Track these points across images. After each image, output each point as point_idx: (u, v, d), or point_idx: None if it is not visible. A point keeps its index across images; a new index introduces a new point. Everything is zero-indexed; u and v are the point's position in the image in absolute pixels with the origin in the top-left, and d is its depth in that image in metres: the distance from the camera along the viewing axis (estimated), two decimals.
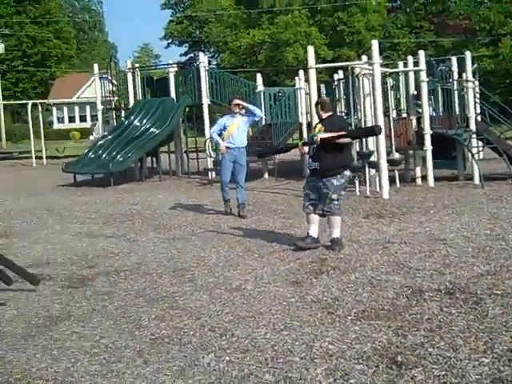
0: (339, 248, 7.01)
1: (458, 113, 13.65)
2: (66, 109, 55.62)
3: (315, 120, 8.45)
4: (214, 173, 15.46)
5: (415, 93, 13.33)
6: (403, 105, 14.32)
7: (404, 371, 3.75)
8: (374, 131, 8.10)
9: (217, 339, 4.43)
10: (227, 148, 9.80)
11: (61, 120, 55.90)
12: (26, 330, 4.76)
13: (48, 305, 5.34)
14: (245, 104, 10.06)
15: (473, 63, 15.14)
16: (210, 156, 15.94)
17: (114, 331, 4.67)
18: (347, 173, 7.12)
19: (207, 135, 16.51)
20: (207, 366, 3.96)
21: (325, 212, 7.08)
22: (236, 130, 9.83)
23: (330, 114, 7.33)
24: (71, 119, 55.81)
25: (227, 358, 4.07)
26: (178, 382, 3.74)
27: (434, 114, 13.81)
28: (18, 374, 3.93)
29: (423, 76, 12.81)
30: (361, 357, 4.01)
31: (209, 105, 17.03)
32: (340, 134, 6.96)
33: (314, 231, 7.15)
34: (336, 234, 7.12)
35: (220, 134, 9.98)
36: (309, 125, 15.42)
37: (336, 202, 7.04)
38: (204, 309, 5.14)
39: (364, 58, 14.90)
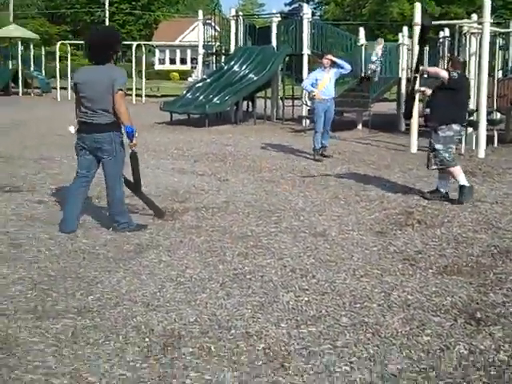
0: (468, 196, 7.08)
1: None
2: (167, 51, 56.62)
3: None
4: (307, 121, 15.43)
5: None
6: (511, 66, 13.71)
7: (482, 327, 3.73)
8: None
9: (297, 280, 4.53)
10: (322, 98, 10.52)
11: (162, 61, 56.96)
12: (117, 254, 5.02)
13: (139, 233, 5.60)
14: (335, 59, 10.83)
15: None
16: (306, 104, 15.88)
17: (200, 263, 4.86)
18: (456, 127, 7.09)
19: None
20: (286, 304, 4.07)
21: (430, 166, 7.23)
22: (328, 82, 10.62)
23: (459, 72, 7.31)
24: (172, 61, 56.80)
25: (306, 299, 4.17)
26: (257, 315, 3.87)
27: None
28: (108, 293, 4.18)
29: None
30: (439, 309, 4.01)
31: (309, 55, 16.88)
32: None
33: (442, 184, 7.31)
34: (461, 181, 7.16)
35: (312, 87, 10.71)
36: (408, 80, 15.03)
37: (444, 154, 7.06)
38: (287, 250, 5.25)
39: (474, 16, 14.26)
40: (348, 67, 10.82)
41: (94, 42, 5.64)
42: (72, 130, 5.67)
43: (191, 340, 3.50)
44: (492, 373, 3.19)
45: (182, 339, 3.50)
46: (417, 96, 7.83)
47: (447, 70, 7.25)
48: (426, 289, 4.38)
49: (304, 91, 15.37)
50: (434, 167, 7.22)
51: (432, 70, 7.56)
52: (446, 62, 15.05)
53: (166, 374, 3.12)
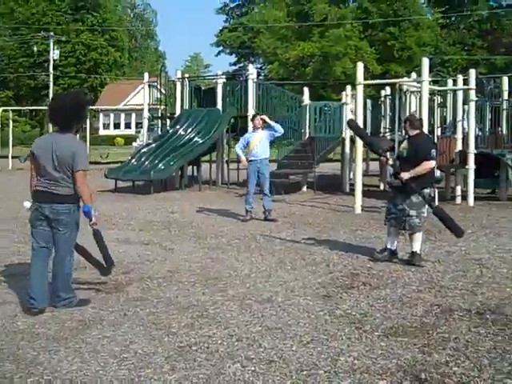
0: (418, 261, 7.11)
1: (505, 132, 13.49)
2: (112, 115, 56.70)
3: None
4: None
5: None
6: (448, 123, 14.25)
7: None
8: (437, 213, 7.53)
9: (243, 349, 4.49)
10: (249, 161, 10.88)
11: (106, 126, 56.97)
12: (58, 332, 4.89)
13: (82, 309, 5.47)
14: (267, 120, 11.05)
15: None
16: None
17: (144, 337, 4.77)
18: (427, 190, 7.20)
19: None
20: (233, 375, 4.03)
21: (406, 228, 7.23)
22: (258, 143, 10.83)
23: (418, 132, 7.39)
24: (116, 126, 56.84)
25: (252, 368, 4.13)
26: None
27: (480, 134, 13.69)
28: (48, 375, 4.05)
29: (472, 95, 12.69)
30: (385, 372, 4.03)
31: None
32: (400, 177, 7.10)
33: (392, 243, 7.35)
34: (416, 247, 7.23)
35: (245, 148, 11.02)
36: (352, 140, 15.39)
37: (415, 219, 7.13)
38: (233, 319, 5.21)
39: (413, 75, 14.86)
40: (280, 130, 11.02)
41: (57, 106, 5.50)
42: (28, 205, 5.51)
43: None
44: None
45: None
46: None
47: (407, 133, 7.42)
48: (371, 352, 4.40)
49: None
50: (410, 230, 7.23)
51: (420, 170, 7.11)
52: (387, 120, 15.60)
53: None
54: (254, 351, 4.45)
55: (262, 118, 11.08)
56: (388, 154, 7.57)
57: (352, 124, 8.57)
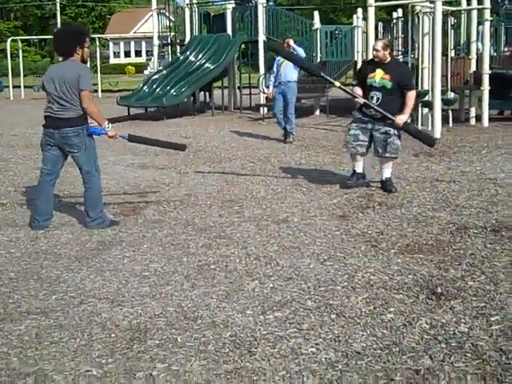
0: (394, 186, 6.91)
1: None
2: (122, 44, 55.98)
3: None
4: (265, 109, 15.46)
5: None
6: (462, 44, 13.94)
7: (443, 302, 3.82)
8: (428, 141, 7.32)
9: (261, 267, 4.56)
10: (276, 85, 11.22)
11: (117, 55, 56.35)
12: (80, 252, 4.99)
13: (101, 230, 5.56)
14: (291, 44, 11.48)
15: None
16: (263, 92, 15.92)
17: (163, 257, 4.85)
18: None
19: (261, 71, 16.52)
20: (251, 292, 4.10)
21: (380, 155, 6.86)
22: (284, 66, 11.01)
23: (391, 59, 6.88)
24: (127, 54, 56.21)
25: (271, 285, 4.20)
26: (223, 304, 3.89)
27: (495, 54, 13.39)
28: (72, 292, 4.15)
29: (487, 15, 12.36)
30: (401, 287, 4.09)
31: (264, 41, 16.91)
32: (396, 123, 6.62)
33: (360, 167, 7.14)
34: (388, 173, 6.97)
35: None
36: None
37: (397, 141, 6.78)
38: (250, 239, 5.27)
39: None
40: (302, 54, 11.49)
41: (57, 34, 5.83)
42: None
43: (157, 332, 3.50)
44: (453, 344, 3.27)
45: (148, 332, 3.50)
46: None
47: (383, 59, 6.75)
48: (388, 268, 4.46)
49: (261, 78, 15.64)
50: (385, 155, 6.83)
51: (411, 105, 6.82)
52: (399, 43, 15.31)
53: (132, 367, 3.12)
54: (272, 269, 4.52)
55: (287, 42, 11.46)
56: (357, 89, 6.96)
57: (273, 47, 7.87)
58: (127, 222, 5.88)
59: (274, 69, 11.40)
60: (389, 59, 6.82)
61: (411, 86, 6.96)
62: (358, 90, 6.89)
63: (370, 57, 7.79)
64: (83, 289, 4.20)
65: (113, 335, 3.48)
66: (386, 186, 6.91)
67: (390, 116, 6.61)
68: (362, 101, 6.79)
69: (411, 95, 6.74)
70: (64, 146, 5.48)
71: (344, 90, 6.92)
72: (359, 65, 16.00)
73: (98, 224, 5.63)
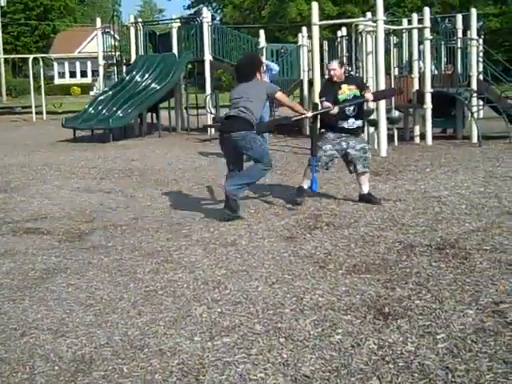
0: (378, 199, 7.25)
1: (460, 71, 13.57)
2: (67, 64, 55.27)
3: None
4: (213, 130, 15.48)
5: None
6: (404, 63, 14.25)
7: (390, 321, 3.85)
8: (391, 93, 9.94)
9: (209, 292, 4.52)
10: None
11: (62, 75, 55.60)
12: (22, 282, 4.85)
13: (45, 258, 5.43)
14: (265, 61, 11.26)
15: (478, 21, 14.97)
16: (210, 112, 15.94)
17: (110, 283, 4.76)
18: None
19: (208, 91, 16.54)
20: (199, 317, 4.05)
21: (360, 172, 7.24)
22: None
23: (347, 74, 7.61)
24: (72, 74, 55.53)
25: (219, 310, 4.16)
26: (170, 331, 3.83)
27: (436, 73, 13.74)
28: (13, 323, 4.02)
29: (427, 34, 12.70)
30: (349, 308, 4.10)
31: (211, 61, 16.97)
32: (367, 99, 7.47)
33: (307, 184, 7.30)
34: (367, 189, 7.35)
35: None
36: (310, 82, 15.36)
37: (369, 155, 7.37)
38: (198, 263, 5.22)
39: (368, 14, 14.76)
40: (276, 68, 11.71)
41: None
42: None
43: (103, 363, 3.42)
44: (400, 364, 3.29)
45: (93, 363, 3.42)
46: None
47: (340, 77, 7.19)
48: (336, 289, 4.47)
49: (208, 98, 15.66)
50: (365, 170, 7.28)
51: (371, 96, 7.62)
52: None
53: None
54: (220, 293, 4.48)
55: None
56: (325, 103, 7.19)
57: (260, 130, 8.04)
58: (73, 248, 5.77)
59: None
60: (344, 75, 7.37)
61: (367, 95, 7.48)
62: (328, 103, 7.10)
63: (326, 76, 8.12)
64: (25, 320, 4.08)
65: (56, 367, 3.38)
66: (372, 198, 7.24)
67: (361, 100, 7.29)
68: (336, 109, 7.03)
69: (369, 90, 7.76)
70: None
71: (318, 113, 7.13)
72: (305, 83, 16.26)
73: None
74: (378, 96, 8.91)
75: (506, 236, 5.63)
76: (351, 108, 7.14)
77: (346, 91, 7.17)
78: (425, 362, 3.31)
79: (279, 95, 6.78)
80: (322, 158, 7.22)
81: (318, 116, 7.10)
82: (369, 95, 7.40)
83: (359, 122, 7.26)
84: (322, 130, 7.31)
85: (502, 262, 4.88)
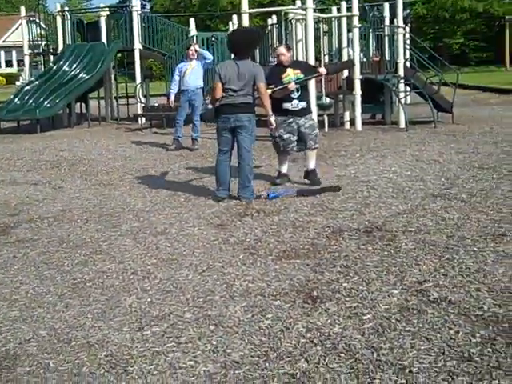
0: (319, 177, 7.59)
1: (387, 58, 13.83)
2: None
3: None
4: (143, 119, 15.30)
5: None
6: (334, 50, 14.42)
7: (318, 305, 3.90)
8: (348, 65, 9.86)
9: (139, 282, 4.48)
10: (181, 91, 11.28)
11: None
12: None
13: None
14: (198, 49, 11.55)
15: (405, 9, 15.27)
16: (140, 102, 15.74)
17: (35, 278, 4.66)
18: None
19: (138, 81, 16.31)
20: (128, 308, 4.01)
21: (312, 147, 7.57)
22: (190, 72, 11.20)
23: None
24: None
25: (149, 300, 4.13)
26: (98, 323, 3.78)
27: (365, 60, 13.95)
28: None
29: (356, 22, 12.86)
30: (279, 293, 4.14)
31: (140, 50, 16.73)
32: (321, 73, 7.96)
33: (285, 169, 7.77)
34: (314, 164, 7.67)
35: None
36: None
37: (318, 132, 7.73)
38: (128, 253, 5.17)
39: (298, 3, 14.84)
40: (209, 57, 11.52)
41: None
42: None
43: (28, 358, 3.34)
44: (328, 346, 3.35)
45: (17, 359, 3.33)
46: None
47: (288, 61, 7.51)
48: (266, 275, 4.50)
49: (138, 87, 15.49)
50: (316, 146, 7.64)
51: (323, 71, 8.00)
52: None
53: None
54: (149, 283, 4.45)
55: (193, 48, 11.46)
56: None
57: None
58: None
59: (176, 77, 11.34)
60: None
61: (315, 68, 8.24)
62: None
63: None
64: None
65: None
66: (314, 177, 7.60)
67: (315, 75, 7.87)
68: (293, 85, 7.32)
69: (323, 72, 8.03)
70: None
71: (276, 89, 7.30)
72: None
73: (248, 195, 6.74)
74: (332, 69, 9.14)
75: (430, 217, 5.79)
76: (294, 90, 7.36)
77: (291, 75, 7.40)
78: (351, 342, 3.37)
79: (262, 86, 6.71)
80: (279, 143, 7.53)
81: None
82: (322, 69, 7.94)
83: (303, 104, 7.48)
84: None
85: (426, 243, 5.03)
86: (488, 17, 42.77)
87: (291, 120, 7.41)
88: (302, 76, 7.47)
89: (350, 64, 10.05)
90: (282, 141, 7.48)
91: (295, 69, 7.49)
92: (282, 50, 7.56)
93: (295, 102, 7.40)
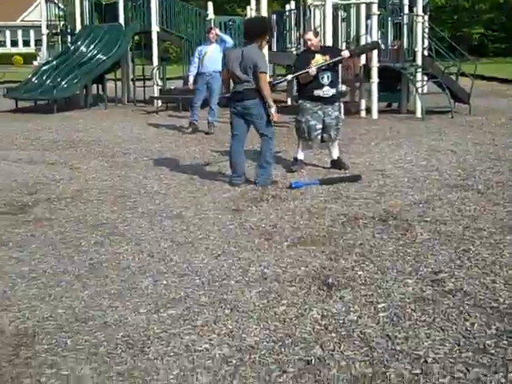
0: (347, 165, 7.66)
1: (406, 47, 13.73)
2: (8, 32, 53.50)
3: None
4: (159, 101, 15.31)
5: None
6: (352, 38, 14.32)
7: (333, 292, 3.92)
8: (374, 46, 10.05)
9: (155, 264, 4.51)
10: (199, 74, 11.17)
11: (2, 44, 53.83)
12: None
13: None
14: (219, 33, 11.55)
15: None
16: (157, 84, 15.74)
17: (53, 256, 4.70)
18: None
19: (155, 63, 16.30)
20: (144, 289, 4.05)
21: (335, 137, 7.60)
22: (209, 56, 11.04)
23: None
24: (14, 43, 53.82)
25: (164, 282, 4.17)
26: (115, 304, 3.82)
27: (383, 47, 13.85)
28: None
29: (374, 9, 12.77)
30: (294, 279, 4.16)
31: (158, 32, 16.71)
32: (344, 56, 7.61)
33: (303, 156, 7.75)
34: (338, 152, 7.77)
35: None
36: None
37: (340, 124, 7.74)
38: (143, 235, 5.20)
39: None
40: (230, 41, 11.35)
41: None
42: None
43: (46, 337, 3.38)
44: (343, 333, 3.37)
45: (36, 337, 3.38)
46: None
47: (316, 48, 7.52)
48: (281, 261, 4.52)
49: (155, 70, 15.50)
50: (338, 137, 7.69)
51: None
52: (292, 34, 15.55)
53: (19, 374, 3.00)
54: (165, 265, 4.48)
55: (214, 33, 11.36)
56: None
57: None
58: (15, 221, 5.65)
59: (196, 59, 11.25)
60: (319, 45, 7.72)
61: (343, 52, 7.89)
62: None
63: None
64: None
65: None
66: (341, 163, 7.67)
67: (338, 58, 7.51)
68: (314, 70, 7.23)
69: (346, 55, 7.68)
70: None
71: (298, 74, 7.39)
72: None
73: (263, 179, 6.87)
74: (355, 51, 9.07)
75: (446, 208, 5.78)
76: (325, 76, 7.33)
77: (320, 60, 7.37)
78: (366, 330, 3.39)
79: (260, 76, 6.58)
80: (305, 129, 7.50)
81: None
82: (345, 52, 7.73)
83: (334, 91, 7.49)
84: (300, 101, 7.62)
85: (442, 233, 5.03)
86: (509, 7, 42.31)
87: (319, 107, 7.40)
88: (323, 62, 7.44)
89: (375, 45, 9.92)
90: (307, 126, 7.46)
91: (324, 54, 7.46)
92: (310, 35, 7.58)
93: (326, 88, 7.39)
